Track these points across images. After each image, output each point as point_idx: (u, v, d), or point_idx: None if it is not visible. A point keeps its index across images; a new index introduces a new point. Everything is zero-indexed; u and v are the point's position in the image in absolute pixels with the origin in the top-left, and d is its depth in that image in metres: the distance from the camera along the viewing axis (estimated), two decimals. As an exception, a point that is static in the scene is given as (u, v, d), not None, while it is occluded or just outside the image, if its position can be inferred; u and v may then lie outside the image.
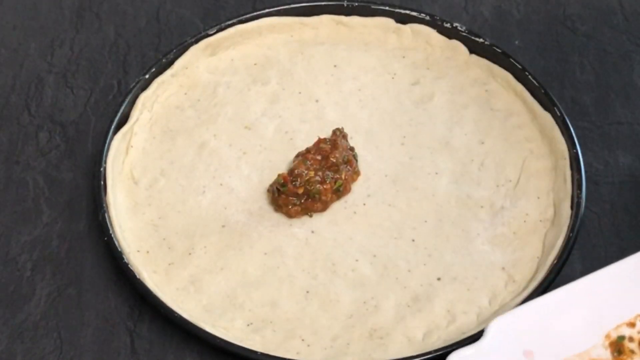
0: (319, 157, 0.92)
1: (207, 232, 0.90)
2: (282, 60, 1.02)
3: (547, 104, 0.96)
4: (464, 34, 1.01)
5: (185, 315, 0.84)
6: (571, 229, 0.87)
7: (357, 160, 0.93)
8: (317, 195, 0.90)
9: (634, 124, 0.99)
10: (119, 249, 0.87)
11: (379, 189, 0.93)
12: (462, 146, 0.96)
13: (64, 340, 0.86)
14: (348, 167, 0.92)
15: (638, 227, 0.92)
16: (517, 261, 0.88)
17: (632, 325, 0.80)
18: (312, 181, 0.90)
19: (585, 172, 0.90)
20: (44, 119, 1.00)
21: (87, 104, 1.01)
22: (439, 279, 0.88)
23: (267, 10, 1.03)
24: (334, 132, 0.93)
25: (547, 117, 0.95)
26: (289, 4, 1.04)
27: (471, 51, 1.01)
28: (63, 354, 0.85)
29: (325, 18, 1.03)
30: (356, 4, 1.03)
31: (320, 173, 0.90)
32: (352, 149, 0.93)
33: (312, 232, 0.91)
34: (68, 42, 1.06)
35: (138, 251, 0.89)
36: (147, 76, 0.97)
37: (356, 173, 0.93)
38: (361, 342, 0.84)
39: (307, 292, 0.87)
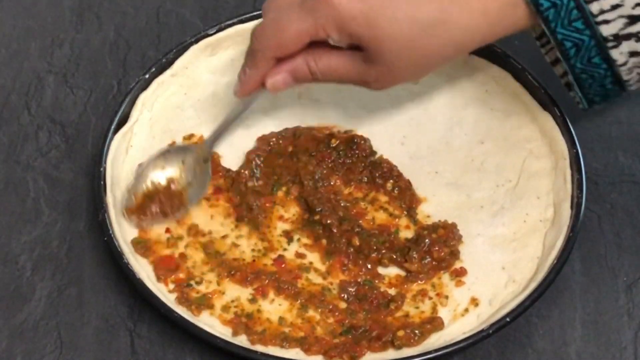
0: None
1: (207, 232, 0.90)
2: (282, 60, 1.02)
3: (547, 104, 0.95)
4: (463, 34, 1.01)
5: (185, 315, 0.83)
6: (571, 229, 0.87)
7: None
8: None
9: (634, 124, 0.99)
10: (119, 249, 0.87)
11: (379, 189, 0.93)
12: (462, 146, 0.95)
13: (64, 340, 0.86)
14: None
15: (638, 227, 0.92)
16: (517, 261, 0.88)
17: None
18: None
19: (585, 172, 0.90)
20: (44, 119, 1.00)
21: (87, 104, 1.01)
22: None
23: (267, 10, 1.03)
24: None
25: (547, 117, 0.95)
26: (289, 4, 1.03)
27: (471, 51, 1.01)
28: (63, 354, 0.85)
29: (325, 18, 1.03)
30: (356, 4, 1.02)
31: None
32: None
33: (312, 232, 0.91)
34: (68, 42, 1.06)
35: (138, 251, 0.89)
36: (147, 76, 0.97)
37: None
38: (361, 342, 0.84)
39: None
